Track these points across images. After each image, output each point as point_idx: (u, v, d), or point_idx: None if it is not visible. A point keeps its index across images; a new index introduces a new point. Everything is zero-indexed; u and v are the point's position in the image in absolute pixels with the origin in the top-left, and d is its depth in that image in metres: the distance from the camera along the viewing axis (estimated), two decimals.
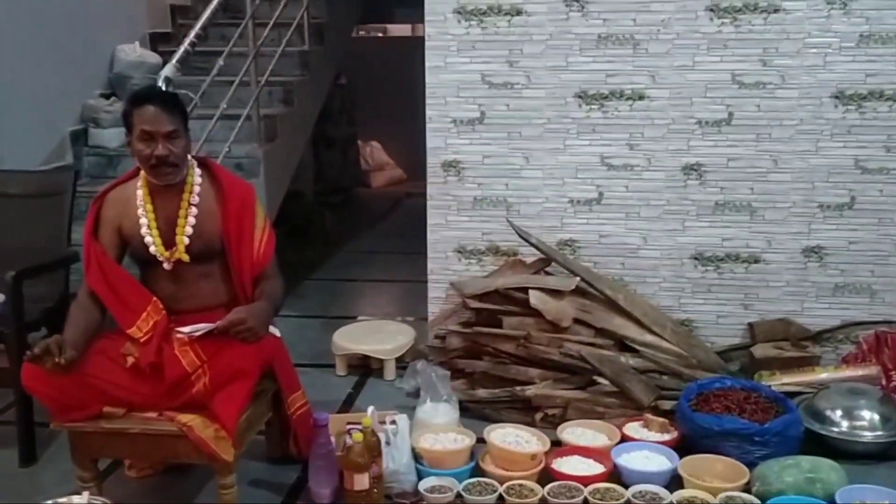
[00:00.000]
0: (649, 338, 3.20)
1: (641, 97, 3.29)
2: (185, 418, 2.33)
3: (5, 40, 3.78)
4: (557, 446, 2.73)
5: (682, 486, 2.52)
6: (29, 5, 4.04)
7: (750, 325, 3.37)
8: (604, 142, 3.35)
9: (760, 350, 3.24)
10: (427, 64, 3.38)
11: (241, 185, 2.64)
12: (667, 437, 2.81)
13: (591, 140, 3.35)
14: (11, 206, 3.32)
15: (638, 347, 3.17)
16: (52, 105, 4.27)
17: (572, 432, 2.83)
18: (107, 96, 4.67)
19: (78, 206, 3.28)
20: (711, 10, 3.20)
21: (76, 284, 2.77)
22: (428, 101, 3.41)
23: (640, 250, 3.41)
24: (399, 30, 9.53)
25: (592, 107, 3.33)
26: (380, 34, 10.30)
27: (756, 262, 3.35)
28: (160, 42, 5.31)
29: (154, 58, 4.89)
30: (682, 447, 2.72)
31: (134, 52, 4.85)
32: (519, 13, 3.30)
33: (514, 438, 2.70)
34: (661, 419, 2.87)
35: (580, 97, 3.32)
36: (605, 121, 3.33)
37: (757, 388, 2.91)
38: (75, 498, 2.10)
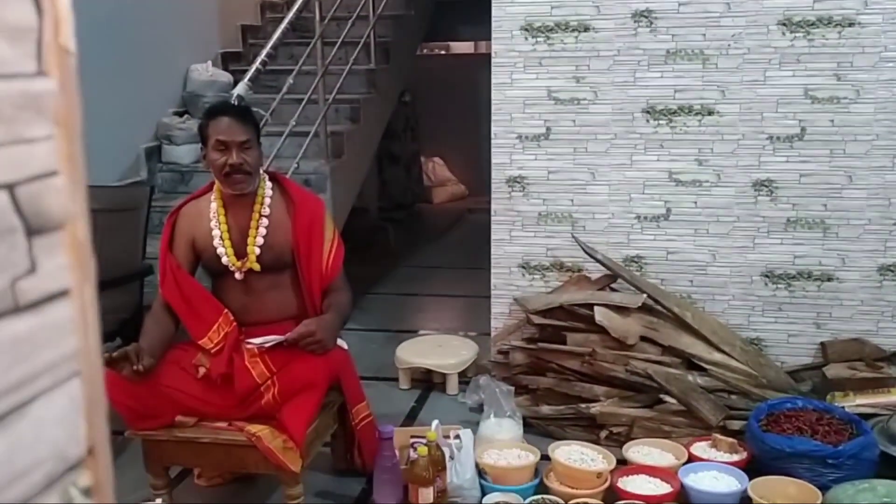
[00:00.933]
0: (718, 356, 3.14)
1: (711, 112, 3.25)
2: (255, 429, 2.37)
3: (85, 60, 3.89)
4: (623, 465, 2.70)
5: None
6: (108, 28, 4.19)
7: (822, 344, 3.28)
8: (672, 157, 3.31)
9: (833, 370, 3.15)
10: (493, 80, 3.40)
11: (312, 199, 2.69)
12: (736, 457, 2.75)
13: (658, 155, 3.32)
14: (89, 221, 3.44)
15: (706, 366, 3.11)
16: (129, 123, 4.41)
17: (638, 451, 2.79)
18: (180, 114, 4.81)
19: (152, 221, 3.38)
20: (784, 24, 3.15)
21: (150, 297, 2.86)
22: (493, 117, 3.43)
23: (708, 267, 3.36)
24: (462, 47, 9.60)
25: (660, 122, 3.30)
26: (443, 52, 10.40)
27: (829, 280, 3.27)
28: (231, 61, 5.45)
29: (225, 77, 5.01)
30: (752, 468, 2.65)
31: (206, 72, 4.99)
32: (587, 29, 3.30)
33: (580, 456, 2.68)
34: (729, 439, 2.81)
35: (648, 112, 3.30)
36: (673, 136, 3.29)
37: (830, 409, 2.83)
38: None
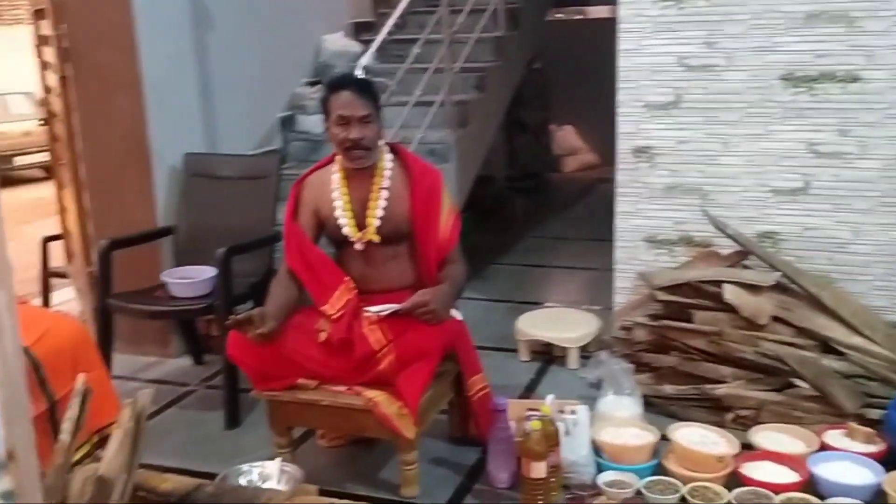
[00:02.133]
0: (857, 340, 2.95)
1: (856, 79, 3.02)
2: (372, 394, 2.43)
3: (223, 34, 4.08)
4: (748, 450, 2.59)
5: None
6: (246, 1, 4.33)
7: None
8: (812, 127, 3.11)
9: None
10: (619, 47, 3.29)
11: (430, 171, 2.70)
12: (872, 448, 2.58)
13: (797, 126, 3.13)
14: (224, 188, 3.60)
15: (843, 350, 2.93)
16: (264, 93, 4.55)
17: (766, 436, 2.67)
18: (312, 84, 4.92)
19: (283, 189, 3.49)
20: None
21: (280, 262, 2.96)
22: (619, 84, 3.32)
23: (849, 245, 3.15)
24: (598, 11, 9.35)
25: (799, 90, 3.10)
26: (579, 16, 10.17)
27: None
28: (362, 31, 5.52)
29: (356, 47, 5.09)
30: (889, 461, 2.49)
31: (338, 42, 5.08)
32: None
33: (701, 438, 2.59)
34: (866, 429, 2.64)
35: (786, 80, 3.11)
36: (813, 105, 3.09)
37: None
38: (268, 463, 2.24)
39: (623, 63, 3.30)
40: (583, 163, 8.45)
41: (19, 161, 10.66)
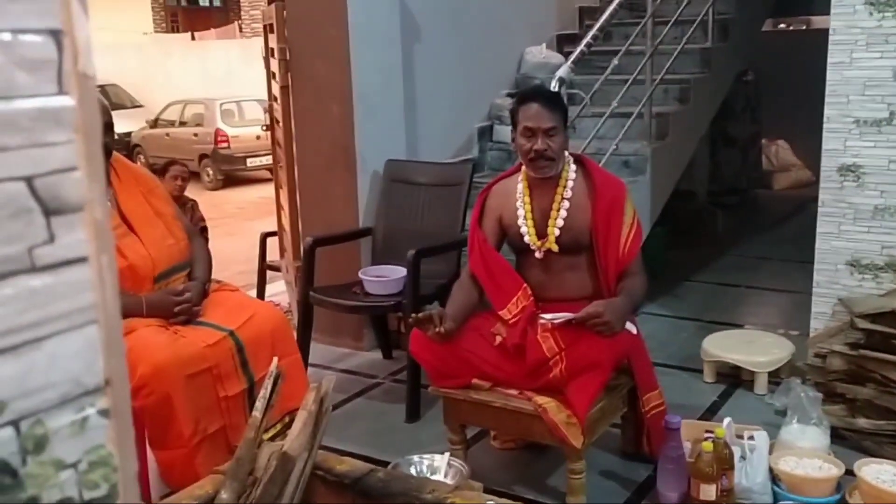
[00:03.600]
0: None
1: None
2: (542, 400, 2.47)
3: (430, 47, 4.28)
4: None
5: None
6: (452, 15, 4.52)
7: None
8: None
9: None
10: (830, 60, 3.12)
11: (613, 183, 2.70)
12: None
13: None
14: (420, 193, 3.78)
15: None
16: (465, 104, 4.72)
17: None
18: (512, 95, 5.02)
19: (474, 196, 3.61)
20: None
21: (465, 265, 3.08)
22: (828, 99, 3.15)
23: None
24: (822, 22, 8.81)
25: None
26: (803, 27, 9.63)
27: None
28: (566, 43, 5.55)
29: (558, 58, 5.14)
30: None
31: (540, 54, 5.16)
32: None
33: (892, 477, 2.41)
34: None
35: None
36: None
37: None
38: (437, 456, 2.35)
39: (832, 76, 3.13)
40: (795, 180, 7.97)
41: (251, 162, 11.67)
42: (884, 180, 3.08)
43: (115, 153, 2.69)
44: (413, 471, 2.34)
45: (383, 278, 3.48)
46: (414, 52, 4.21)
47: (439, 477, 2.28)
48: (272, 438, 2.43)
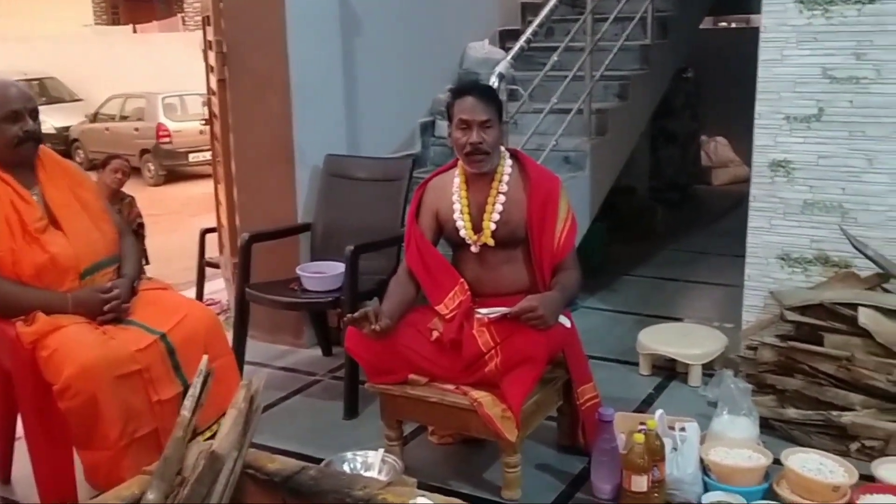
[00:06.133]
0: None
1: None
2: (477, 394, 2.48)
3: (371, 40, 4.24)
4: (868, 482, 2.45)
5: None
6: (392, 7, 4.49)
7: None
8: None
9: None
10: (761, 57, 3.18)
11: (548, 177, 2.72)
12: None
13: None
14: (359, 189, 3.76)
15: None
16: (407, 98, 4.69)
17: (891, 469, 2.51)
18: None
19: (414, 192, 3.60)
20: None
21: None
22: (759, 96, 3.21)
23: None
24: (757, 20, 9.00)
25: None
26: (742, 24, 9.82)
27: None
28: (509, 39, 5.56)
29: (500, 54, 5.13)
30: None
31: (482, 49, 5.16)
32: (872, 1, 2.96)
33: (817, 466, 2.47)
34: None
35: None
36: None
37: None
38: (371, 453, 2.34)
39: (763, 73, 3.19)
40: (734, 176, 8.13)
41: (193, 158, 11.48)
42: (813, 175, 3.15)
43: (42, 146, 2.62)
44: (346, 468, 2.32)
45: (322, 274, 3.45)
46: (355, 45, 4.17)
47: (373, 473, 2.27)
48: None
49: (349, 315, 2.51)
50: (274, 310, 3.61)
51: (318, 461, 2.32)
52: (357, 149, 4.19)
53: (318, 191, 3.89)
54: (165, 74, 14.14)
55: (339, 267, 3.40)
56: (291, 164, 3.88)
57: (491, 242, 2.65)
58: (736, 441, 2.66)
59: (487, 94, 2.64)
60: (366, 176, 3.78)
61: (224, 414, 2.47)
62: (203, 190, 10.50)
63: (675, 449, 2.54)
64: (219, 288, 4.95)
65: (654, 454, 2.41)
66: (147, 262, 4.14)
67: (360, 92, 4.22)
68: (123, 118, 12.46)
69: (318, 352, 3.92)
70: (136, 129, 11.95)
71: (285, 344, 4.01)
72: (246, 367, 3.39)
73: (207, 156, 10.81)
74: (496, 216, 2.64)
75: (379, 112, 4.39)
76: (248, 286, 3.46)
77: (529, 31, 4.06)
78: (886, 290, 3.01)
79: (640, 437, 2.38)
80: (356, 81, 4.19)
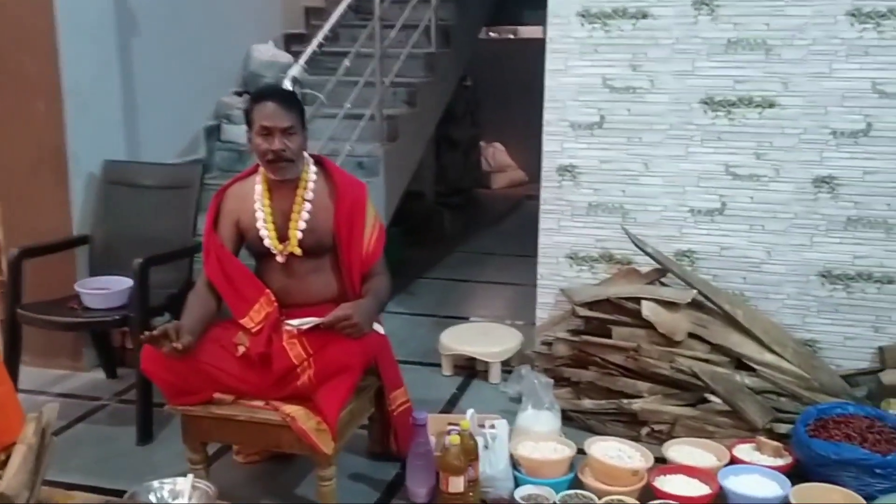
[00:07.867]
0: (769, 357, 3.05)
1: (772, 105, 3.14)
2: (289, 409, 2.39)
3: (149, 40, 3.99)
4: (662, 463, 2.64)
5: None
6: (172, 7, 4.25)
7: (880, 349, 3.16)
8: (729, 150, 3.21)
9: (890, 376, 3.03)
10: (547, 67, 3.35)
11: (354, 184, 2.68)
12: (780, 462, 2.67)
13: (715, 148, 3.23)
14: (144, 197, 3.52)
15: (755, 366, 3.02)
16: (190, 101, 4.47)
17: (679, 450, 2.73)
18: (240, 94, 4.85)
19: (205, 199, 3.41)
20: (853, 14, 3.01)
21: (199, 273, 2.90)
22: (546, 104, 3.37)
23: (763, 265, 3.25)
24: (529, 31, 9.50)
25: (718, 114, 3.20)
26: (511, 35, 10.30)
27: (890, 282, 3.13)
28: (294, 42, 5.47)
29: (286, 58, 5.04)
30: (796, 474, 2.58)
31: (267, 52, 5.02)
32: (645, 16, 3.21)
33: (617, 452, 2.63)
34: (774, 443, 2.72)
35: (706, 103, 3.20)
36: (731, 128, 3.19)
37: (882, 416, 2.72)
38: (180, 480, 2.18)
39: (549, 83, 3.36)
40: (511, 180, 8.55)
41: None
42: (596, 179, 3.36)
43: None
44: (153, 498, 2.14)
45: (104, 290, 3.19)
46: (132, 45, 3.90)
47: (183, 501, 2.12)
48: None
49: (146, 333, 2.33)
50: (48, 332, 3.29)
51: (115, 493, 2.14)
52: (138, 154, 3.93)
53: (97, 200, 3.59)
54: None
55: (124, 282, 3.17)
56: (64, 171, 3.56)
57: (298, 251, 2.57)
58: (541, 434, 2.77)
59: (289, 100, 2.55)
60: (151, 183, 3.55)
61: (5, 448, 2.22)
62: None
63: (486, 447, 2.59)
64: None
65: (469, 454, 2.45)
66: None
67: (138, 94, 3.95)
68: None
69: (100, 374, 3.62)
70: None
71: (62, 368, 3.66)
72: (20, 396, 3.04)
73: None
74: (303, 224, 2.56)
75: (160, 115, 4.14)
76: (19, 306, 3.12)
77: (321, 35, 4.02)
78: (664, 284, 3.28)
79: (455, 439, 2.41)
80: (134, 83, 3.93)
